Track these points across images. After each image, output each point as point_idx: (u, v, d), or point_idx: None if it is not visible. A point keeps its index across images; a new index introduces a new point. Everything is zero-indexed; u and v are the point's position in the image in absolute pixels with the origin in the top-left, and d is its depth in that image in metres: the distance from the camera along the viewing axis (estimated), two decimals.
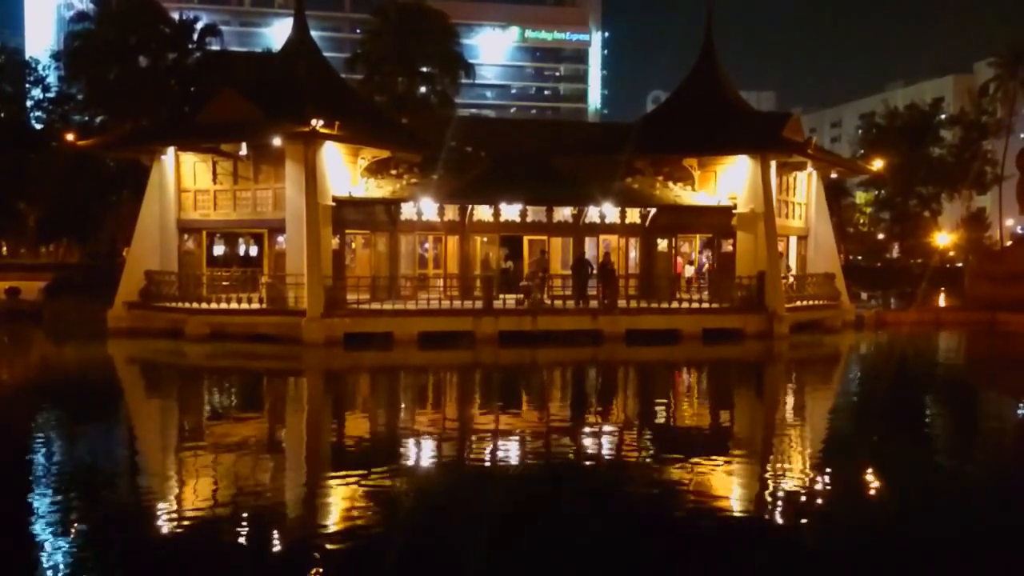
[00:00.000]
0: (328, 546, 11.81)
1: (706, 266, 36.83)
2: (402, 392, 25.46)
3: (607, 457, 17.66)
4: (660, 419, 21.64)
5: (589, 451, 18.14)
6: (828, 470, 16.17)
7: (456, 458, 17.31)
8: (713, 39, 39.10)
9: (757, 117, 39.72)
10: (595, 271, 34.21)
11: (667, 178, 36.17)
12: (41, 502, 13.79)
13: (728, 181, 35.27)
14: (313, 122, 29.11)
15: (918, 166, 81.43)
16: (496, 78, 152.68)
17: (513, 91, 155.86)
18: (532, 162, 35.02)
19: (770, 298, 32.93)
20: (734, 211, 34.68)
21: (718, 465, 16.36)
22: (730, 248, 34.85)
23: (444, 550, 11.65)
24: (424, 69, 54.27)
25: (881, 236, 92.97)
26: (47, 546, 11.83)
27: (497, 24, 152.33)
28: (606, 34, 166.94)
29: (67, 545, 11.92)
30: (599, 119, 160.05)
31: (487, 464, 16.81)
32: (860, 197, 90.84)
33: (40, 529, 12.50)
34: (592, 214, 35.11)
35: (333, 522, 12.94)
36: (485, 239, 35.95)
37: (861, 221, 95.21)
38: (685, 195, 35.55)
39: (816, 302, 36.06)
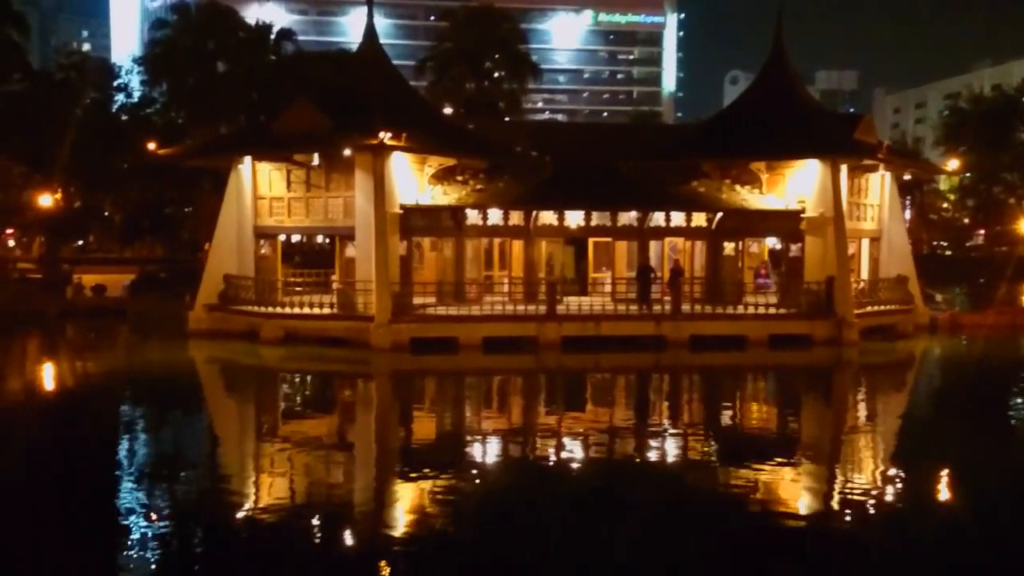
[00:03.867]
0: (396, 541, 12.58)
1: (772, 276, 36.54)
2: (467, 396, 26.19)
3: (672, 460, 18.15)
4: (726, 424, 21.92)
5: (653, 454, 18.62)
6: (900, 476, 16.53)
7: (521, 459, 18.07)
8: (783, 39, 38.48)
9: (827, 119, 38.90)
10: (658, 276, 34.29)
11: (734, 181, 35.85)
12: (129, 489, 15.32)
13: (797, 184, 34.82)
14: (381, 135, 29.81)
15: (1004, 152, 78.73)
16: (568, 63, 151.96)
17: (586, 75, 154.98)
18: (597, 166, 35.10)
19: (839, 303, 32.53)
20: (803, 215, 34.23)
21: (784, 471, 16.69)
22: (799, 252, 34.43)
23: (513, 549, 12.24)
24: (493, 73, 54.63)
25: (966, 221, 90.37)
26: (133, 529, 13.11)
27: (570, 8, 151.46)
28: (682, 15, 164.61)
29: (150, 527, 13.19)
30: (673, 102, 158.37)
31: (551, 465, 17.50)
32: (943, 183, 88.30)
33: (127, 514, 13.86)
34: (657, 218, 35.07)
35: (401, 518, 13.76)
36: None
37: (944, 207, 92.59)
38: (752, 199, 35.23)
39: (888, 307, 35.43)
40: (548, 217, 34.90)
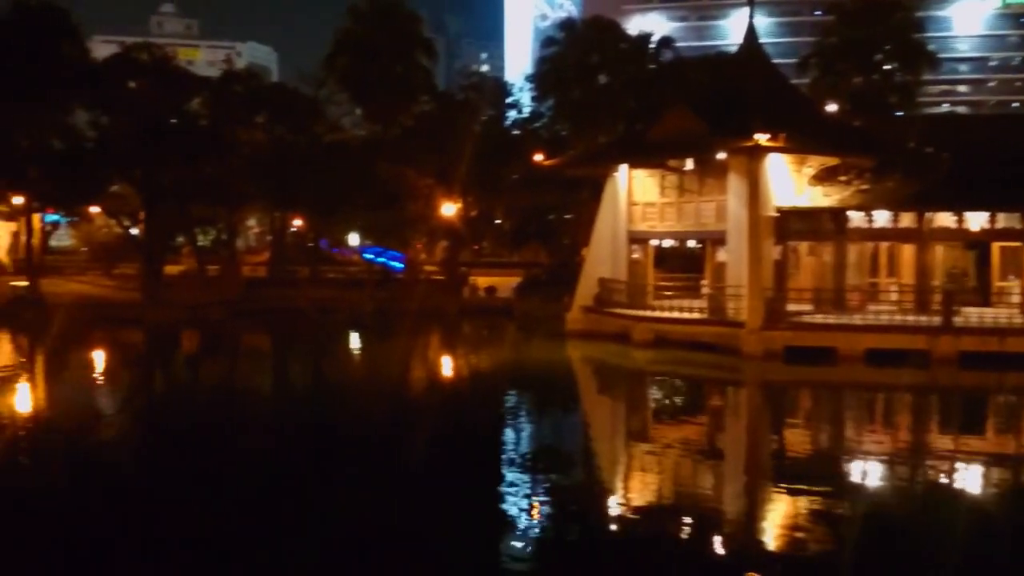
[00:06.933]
0: (768, 554, 12.30)
1: None
2: (846, 411, 24.71)
3: None
4: None
5: None
6: None
7: (908, 483, 16.71)
8: None
9: None
10: None
11: None
12: (511, 475, 16.58)
13: None
14: (757, 136, 29.07)
15: None
16: (972, 50, 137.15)
17: (992, 63, 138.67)
18: (1005, 162, 31.18)
19: None
20: None
21: None
22: None
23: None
24: (883, 66, 50.91)
25: None
26: (510, 511, 14.18)
27: None
28: None
29: (526, 514, 14.10)
30: None
31: (942, 493, 16.00)
32: None
33: (506, 497, 14.89)
34: None
35: (773, 531, 13.43)
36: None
37: None
38: None
39: None
40: (944, 219, 31.74)
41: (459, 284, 50.04)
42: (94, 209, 52.79)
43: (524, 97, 56.52)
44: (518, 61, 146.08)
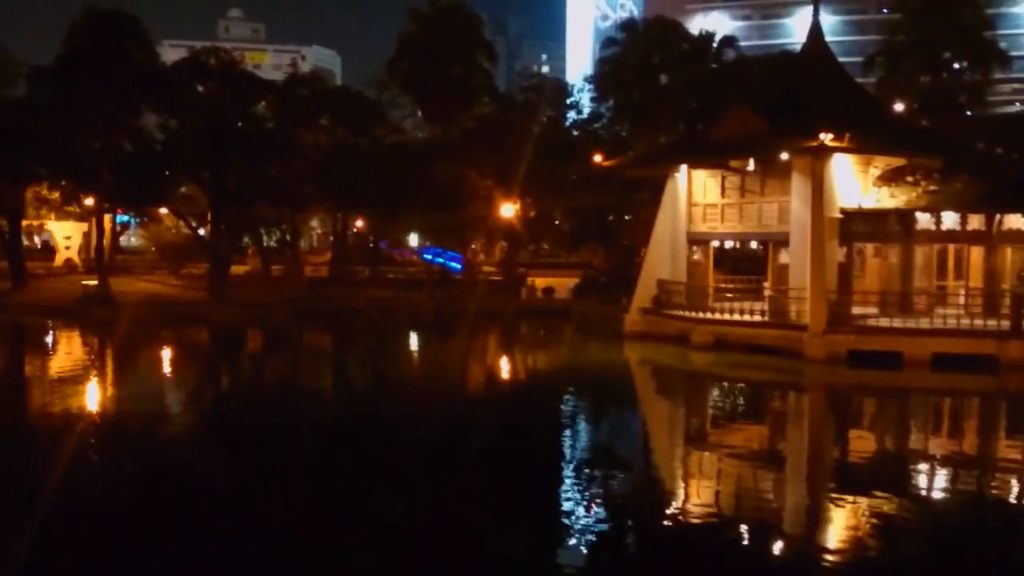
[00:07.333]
0: (828, 562, 12.10)
1: None
2: (911, 417, 24.21)
3: None
4: None
5: None
6: None
7: (974, 492, 16.34)
8: None
9: None
10: None
11: None
12: (572, 476, 16.72)
13: None
14: (821, 136, 28.64)
15: None
16: None
17: None
18: None
19: None
20: None
21: None
22: None
23: None
24: (952, 64, 49.77)
25: None
26: (569, 512, 14.28)
27: None
28: None
29: (582, 516, 14.15)
30: None
31: (1008, 502, 15.62)
32: None
33: (568, 498, 15.13)
34: None
35: (835, 539, 13.24)
36: None
37: None
38: None
39: None
40: (1016, 221, 30.94)
41: (517, 285, 50.14)
42: (163, 210, 54.17)
43: (584, 98, 56.43)
44: (579, 62, 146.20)
